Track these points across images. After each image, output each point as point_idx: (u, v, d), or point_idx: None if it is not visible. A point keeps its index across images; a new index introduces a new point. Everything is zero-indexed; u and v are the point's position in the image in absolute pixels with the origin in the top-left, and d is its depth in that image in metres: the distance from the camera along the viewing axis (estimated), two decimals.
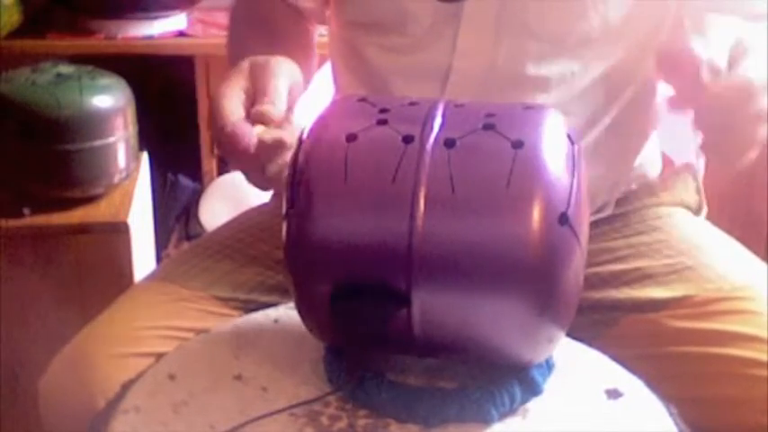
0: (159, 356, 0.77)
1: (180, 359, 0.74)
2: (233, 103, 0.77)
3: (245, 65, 0.81)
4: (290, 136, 0.74)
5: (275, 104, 0.77)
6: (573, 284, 0.64)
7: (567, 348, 0.74)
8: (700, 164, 1.19)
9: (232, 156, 0.76)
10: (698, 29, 0.78)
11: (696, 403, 0.77)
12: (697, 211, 1.04)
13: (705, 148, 0.76)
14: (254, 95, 0.78)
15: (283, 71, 0.80)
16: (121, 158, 1.51)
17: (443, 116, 0.65)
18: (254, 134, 0.74)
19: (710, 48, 0.75)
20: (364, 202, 0.63)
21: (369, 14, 0.94)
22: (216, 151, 0.83)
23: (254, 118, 0.76)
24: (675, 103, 0.76)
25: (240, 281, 0.92)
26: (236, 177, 2.27)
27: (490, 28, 0.88)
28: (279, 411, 0.66)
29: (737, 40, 0.77)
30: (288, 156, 0.72)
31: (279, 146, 0.75)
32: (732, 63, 0.75)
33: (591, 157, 0.69)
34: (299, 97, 0.83)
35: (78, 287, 1.44)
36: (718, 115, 0.74)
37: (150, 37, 2.10)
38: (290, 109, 0.79)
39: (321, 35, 1.05)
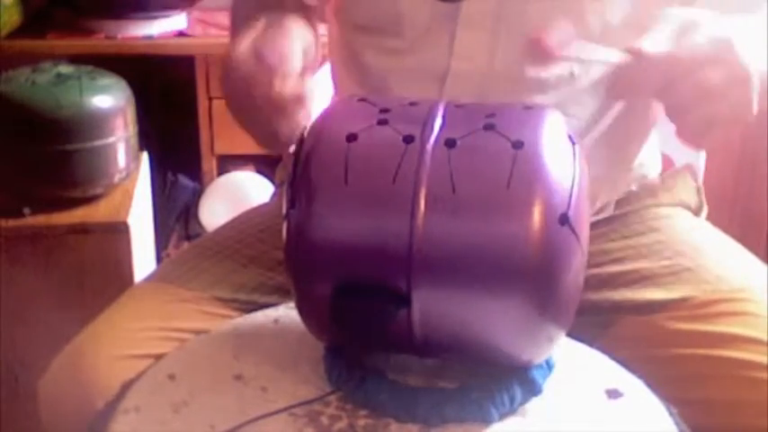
0: (159, 357, 0.77)
1: (180, 359, 0.74)
2: (249, 51, 0.75)
3: (260, 23, 0.80)
4: (308, 93, 0.74)
5: (291, 62, 0.76)
6: (573, 285, 0.64)
7: (567, 348, 0.74)
8: (700, 164, 1.19)
9: (251, 103, 0.74)
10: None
11: (695, 405, 0.77)
12: (697, 212, 1.04)
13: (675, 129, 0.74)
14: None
15: (297, 34, 0.79)
16: (121, 158, 1.51)
17: (444, 116, 0.65)
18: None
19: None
20: (365, 202, 0.63)
21: (365, 17, 0.94)
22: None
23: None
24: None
25: (241, 282, 0.92)
26: (236, 177, 2.28)
27: (487, 29, 0.88)
28: (279, 411, 0.66)
29: (686, 21, 0.74)
30: (301, 115, 0.73)
31: (297, 101, 0.75)
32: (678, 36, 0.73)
33: (591, 157, 0.69)
34: (312, 62, 0.81)
35: (78, 287, 1.45)
36: (656, 85, 0.71)
37: (150, 37, 2.11)
38: (306, 69, 0.78)
39: (321, 35, 1.05)
